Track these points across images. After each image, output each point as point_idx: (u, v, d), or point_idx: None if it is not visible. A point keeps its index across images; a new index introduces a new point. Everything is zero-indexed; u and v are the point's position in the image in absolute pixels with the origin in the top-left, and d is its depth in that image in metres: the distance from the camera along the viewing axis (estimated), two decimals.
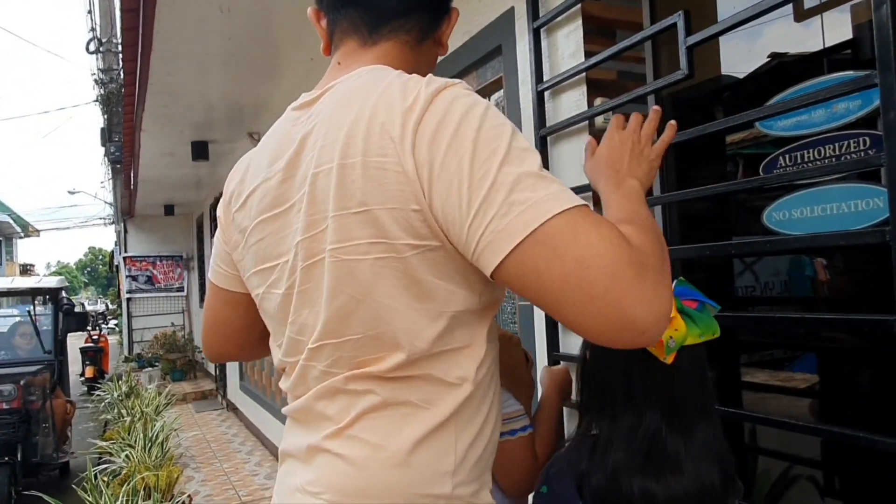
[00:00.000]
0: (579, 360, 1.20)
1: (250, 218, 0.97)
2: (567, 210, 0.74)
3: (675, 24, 1.52)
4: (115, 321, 20.38)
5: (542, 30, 2.00)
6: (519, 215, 0.74)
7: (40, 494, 3.84)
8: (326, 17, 1.01)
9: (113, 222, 17.67)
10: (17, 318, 6.69)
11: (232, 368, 8.44)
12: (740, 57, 2.23)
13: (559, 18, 1.93)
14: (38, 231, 35.05)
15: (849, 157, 1.53)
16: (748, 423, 2.23)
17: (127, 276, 12.69)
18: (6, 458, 5.34)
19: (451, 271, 0.83)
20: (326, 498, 0.87)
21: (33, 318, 6.31)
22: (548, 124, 2.00)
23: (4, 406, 5.49)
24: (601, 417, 1.11)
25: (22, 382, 5.58)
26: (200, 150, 6.55)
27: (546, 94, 2.01)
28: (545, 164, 1.99)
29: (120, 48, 10.34)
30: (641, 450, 1.04)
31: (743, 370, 2.45)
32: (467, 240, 0.78)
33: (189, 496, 4.50)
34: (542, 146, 1.99)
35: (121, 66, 10.39)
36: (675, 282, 1.09)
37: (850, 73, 1.59)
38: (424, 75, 0.86)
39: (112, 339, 15.17)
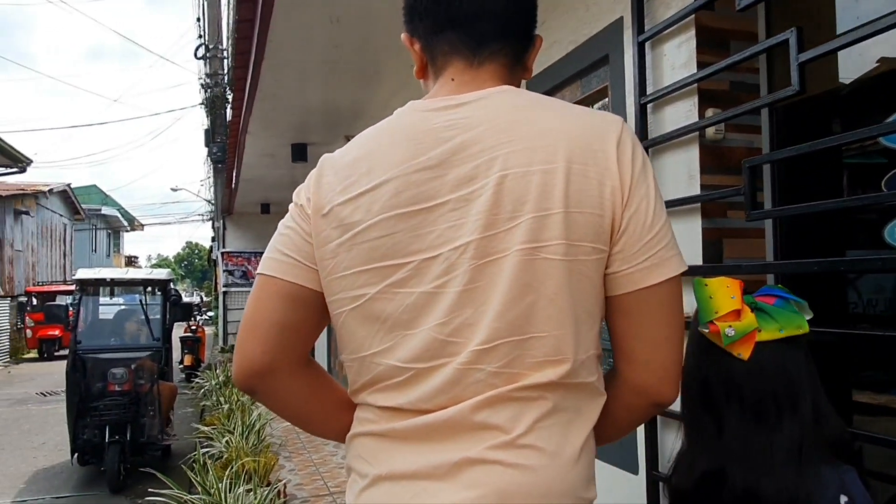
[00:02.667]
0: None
1: (371, 212, 0.93)
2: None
3: (786, 41, 1.50)
4: (211, 313, 21.43)
5: (646, 43, 2.01)
6: (677, 255, 0.94)
7: (154, 471, 4.12)
8: (421, 41, 1.06)
9: (211, 219, 18.61)
10: (129, 307, 7.18)
11: (321, 361, 8.72)
12: (849, 61, 2.15)
13: (670, 29, 1.94)
14: (142, 225, 37.34)
15: None
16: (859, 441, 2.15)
17: (224, 271, 13.35)
18: (117, 437, 5.75)
19: (602, 278, 0.93)
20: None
21: (144, 307, 6.76)
22: (650, 136, 2.01)
23: (116, 388, 5.90)
24: (691, 427, 1.14)
25: (133, 367, 5.98)
26: (300, 152, 6.84)
27: (649, 106, 2.02)
28: None
29: (226, 55, 10.94)
30: (731, 453, 1.04)
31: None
32: (637, 251, 0.91)
33: (284, 483, 4.71)
34: None
35: (225, 71, 10.98)
36: (765, 286, 1.14)
37: None
38: None
39: (208, 330, 15.98)
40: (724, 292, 1.08)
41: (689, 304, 1.88)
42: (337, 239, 0.95)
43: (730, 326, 1.05)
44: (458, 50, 1.02)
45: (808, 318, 1.09)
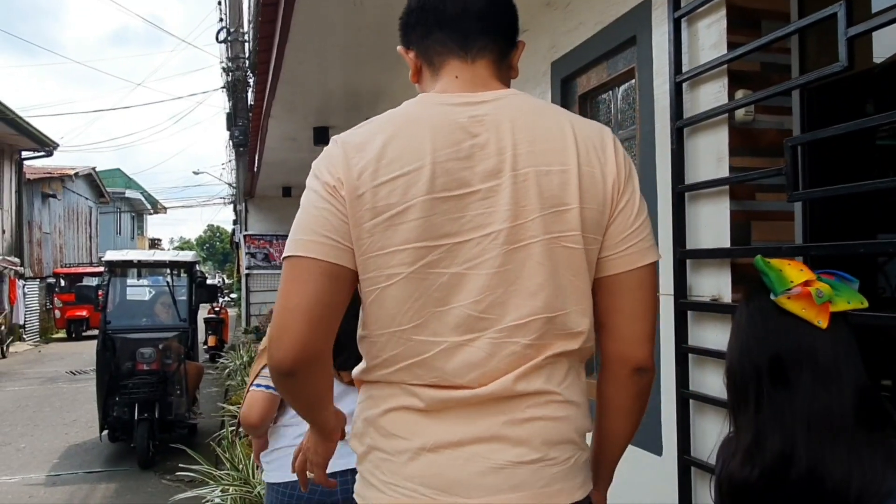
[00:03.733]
0: (726, 363, 1.17)
1: (408, 196, 1.01)
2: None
3: (834, 14, 1.46)
4: (233, 295, 21.69)
5: (682, 20, 1.98)
6: (654, 246, 1.13)
7: (183, 447, 4.22)
8: (415, 48, 1.18)
9: (233, 202, 18.77)
10: (156, 289, 7.30)
11: None
12: (884, 40, 2.11)
13: (701, 9, 1.91)
14: (165, 208, 37.74)
15: None
16: None
17: (246, 254, 13.49)
18: (145, 415, 5.89)
19: (594, 263, 1.12)
20: (541, 453, 1.05)
21: (171, 288, 6.87)
22: (685, 115, 1.99)
23: (145, 367, 6.04)
24: (748, 410, 1.09)
25: (161, 347, 6.10)
26: (322, 136, 6.86)
27: (684, 85, 2.00)
28: (681, 156, 1.99)
29: (247, 38, 10.96)
30: (804, 423, 1.02)
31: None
32: (622, 240, 1.09)
33: None
34: (677, 138, 1.98)
35: (247, 55, 11.01)
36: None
37: None
38: None
39: (231, 312, 16.18)
40: (791, 267, 1.10)
41: (703, 287, 1.85)
42: (373, 219, 1.02)
43: (818, 289, 1.05)
44: (449, 48, 1.14)
45: None
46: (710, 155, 1.94)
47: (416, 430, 1.04)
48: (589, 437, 1.18)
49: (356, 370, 1.15)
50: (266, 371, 1.79)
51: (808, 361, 1.05)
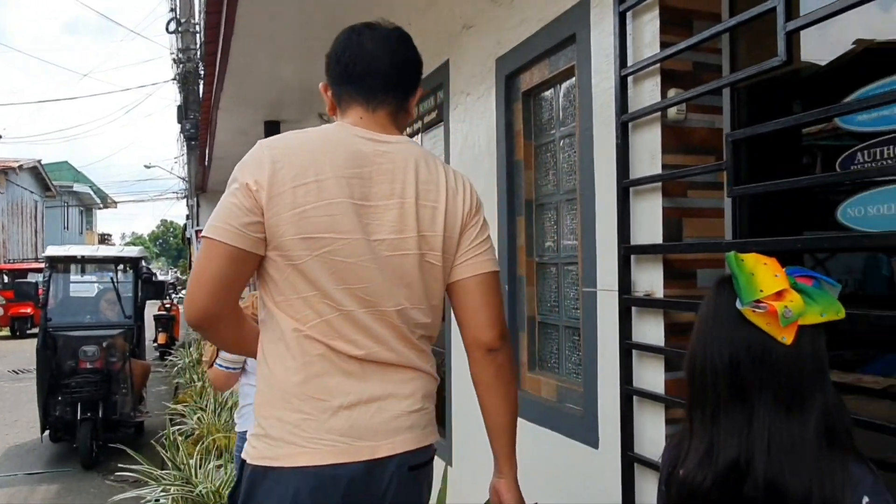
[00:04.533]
0: (685, 360, 1.13)
1: (322, 197, 1.32)
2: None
3: (769, 11, 1.48)
4: (185, 291, 21.21)
5: (627, 13, 1.98)
6: (492, 260, 1.49)
7: (123, 447, 4.11)
8: (332, 89, 1.49)
9: (185, 196, 18.36)
10: (101, 285, 7.10)
11: None
12: (814, 42, 2.17)
13: (640, 5, 1.93)
14: (115, 203, 36.72)
15: None
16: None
17: (198, 250, 13.20)
18: (88, 415, 5.73)
19: (447, 275, 1.47)
20: (421, 404, 1.42)
21: (116, 284, 6.69)
22: (630, 110, 1.98)
23: (88, 366, 5.87)
24: (705, 415, 1.05)
25: (105, 344, 5.94)
26: (273, 130, 6.77)
27: (628, 80, 1.99)
28: (626, 150, 2.00)
29: (198, 29, 10.73)
30: (763, 440, 0.98)
31: None
32: (466, 253, 1.45)
33: None
34: (622, 132, 1.99)
35: (198, 46, 10.78)
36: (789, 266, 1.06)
37: None
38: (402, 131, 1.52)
39: (182, 309, 15.81)
40: (765, 270, 1.03)
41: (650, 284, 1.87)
42: (290, 211, 1.30)
43: (786, 307, 0.98)
44: (355, 98, 1.45)
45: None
46: (645, 152, 1.97)
47: (334, 392, 1.33)
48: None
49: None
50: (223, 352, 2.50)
51: (770, 379, 1.00)
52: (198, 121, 10.09)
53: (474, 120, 3.12)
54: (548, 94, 2.69)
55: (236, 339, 1.46)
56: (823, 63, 2.15)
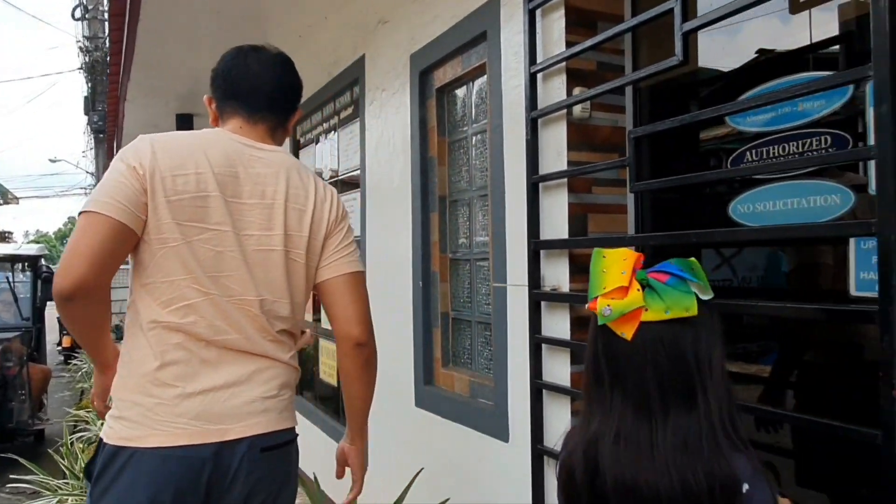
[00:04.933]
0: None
1: (199, 188, 1.43)
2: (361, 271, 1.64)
3: (671, 10, 1.53)
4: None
5: (537, 11, 2.00)
6: (356, 262, 1.63)
7: (16, 457, 3.86)
8: (216, 102, 1.63)
9: None
10: None
11: None
12: (721, 51, 2.28)
13: (548, 4, 1.96)
14: (17, 198, 34.52)
15: (811, 153, 1.59)
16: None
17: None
18: None
19: (314, 273, 1.61)
20: (277, 391, 1.52)
21: (12, 284, 6.28)
22: (539, 106, 2.00)
23: None
24: (585, 402, 1.10)
25: (0, 348, 5.57)
26: (185, 123, 6.52)
27: (538, 77, 2.02)
28: (535, 147, 2.02)
29: (107, 16, 10.21)
30: (612, 433, 1.01)
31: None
32: (331, 255, 1.59)
33: None
34: (532, 128, 2.01)
35: (107, 34, 10.26)
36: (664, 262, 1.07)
37: (820, 72, 1.65)
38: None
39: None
40: (618, 267, 1.04)
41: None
42: (166, 198, 1.40)
43: (607, 305, 1.00)
44: (238, 112, 1.58)
45: (707, 297, 1.03)
46: (552, 149, 2.00)
47: (188, 378, 1.42)
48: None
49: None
50: None
51: (618, 374, 1.02)
52: (106, 113, 9.61)
53: (389, 116, 3.10)
54: (461, 90, 2.70)
55: (96, 323, 1.46)
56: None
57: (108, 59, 10.18)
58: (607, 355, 1.04)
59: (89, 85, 11.57)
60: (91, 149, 15.91)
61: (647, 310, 1.00)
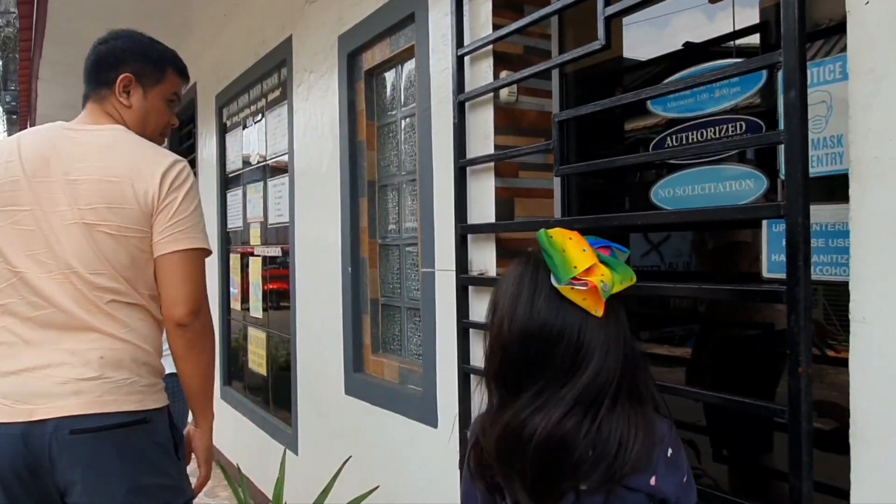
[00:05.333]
0: (488, 335, 1.13)
1: (7, 175, 1.54)
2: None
3: None
4: None
5: None
6: (190, 238, 1.57)
7: None
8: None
9: None
10: None
11: None
12: (652, 45, 2.31)
13: None
14: None
15: (727, 139, 1.63)
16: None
17: None
18: None
19: (145, 248, 1.57)
20: (99, 373, 1.50)
21: None
22: (467, 89, 1.98)
23: None
24: (506, 383, 1.07)
25: None
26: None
27: (465, 60, 2.00)
28: (462, 130, 2.00)
29: None
30: (548, 409, 1.00)
31: (646, 345, 2.58)
32: (160, 233, 1.55)
33: None
34: (459, 112, 1.99)
35: (16, 7, 9.65)
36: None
37: (734, 59, 1.69)
38: (152, 125, 1.72)
39: None
40: (572, 245, 1.03)
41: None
42: None
43: (602, 282, 1.00)
44: (89, 94, 1.68)
45: None
46: (479, 133, 1.99)
47: (11, 357, 1.48)
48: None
49: None
50: None
51: (578, 347, 1.01)
52: (18, 93, 9.07)
53: (317, 99, 3.03)
54: (390, 74, 2.66)
55: None
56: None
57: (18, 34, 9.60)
58: (559, 336, 1.02)
59: (1, 63, 10.90)
60: (4, 131, 15.05)
61: None
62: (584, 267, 1.01)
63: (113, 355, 1.51)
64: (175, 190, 1.57)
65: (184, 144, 5.67)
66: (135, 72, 1.68)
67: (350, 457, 2.52)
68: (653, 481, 1.00)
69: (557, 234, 1.06)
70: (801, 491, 1.14)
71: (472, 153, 1.99)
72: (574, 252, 1.03)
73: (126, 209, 1.53)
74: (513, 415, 1.02)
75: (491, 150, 1.93)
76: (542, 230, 1.07)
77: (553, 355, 1.02)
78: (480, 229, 1.98)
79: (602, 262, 1.05)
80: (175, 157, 1.63)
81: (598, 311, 1.01)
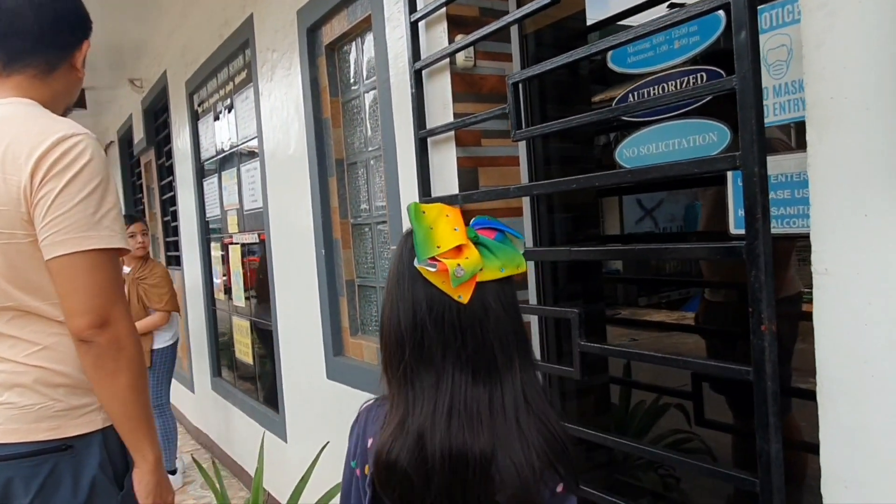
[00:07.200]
0: (381, 317, 1.01)
1: None
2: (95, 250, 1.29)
3: None
4: None
5: None
6: (72, 239, 1.26)
7: None
8: None
9: None
10: None
11: None
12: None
13: None
14: None
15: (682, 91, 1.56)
16: (621, 358, 2.32)
17: None
18: None
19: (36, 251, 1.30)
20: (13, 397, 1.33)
21: None
22: (422, 57, 1.91)
23: None
24: (400, 381, 0.95)
25: None
26: (79, 98, 6.10)
27: (419, 26, 1.92)
28: (421, 100, 1.93)
29: None
30: (444, 406, 0.90)
31: (644, 311, 2.54)
32: (39, 233, 1.26)
33: None
34: (416, 81, 1.91)
35: None
36: (477, 217, 0.98)
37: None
38: (64, 98, 1.44)
39: None
40: (445, 222, 0.93)
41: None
42: None
43: (458, 266, 0.89)
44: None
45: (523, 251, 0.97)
46: (438, 101, 1.92)
47: None
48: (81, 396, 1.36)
49: None
50: None
51: (452, 341, 0.91)
52: None
53: (281, 78, 2.94)
54: (351, 47, 2.58)
55: None
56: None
57: None
58: (438, 321, 0.92)
59: None
60: None
61: (482, 269, 0.91)
62: (449, 247, 0.91)
63: (12, 379, 1.32)
64: (54, 177, 1.26)
65: (160, 135, 5.58)
66: None
67: (328, 442, 2.48)
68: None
69: (433, 209, 0.95)
70: (770, 453, 1.09)
71: (431, 123, 1.92)
72: (442, 230, 0.93)
73: (2, 210, 1.27)
74: (412, 420, 0.92)
75: (450, 119, 1.85)
76: (413, 203, 0.97)
77: (422, 344, 0.92)
78: (443, 201, 1.91)
79: (481, 244, 0.94)
80: (66, 131, 1.29)
81: (463, 297, 0.90)
